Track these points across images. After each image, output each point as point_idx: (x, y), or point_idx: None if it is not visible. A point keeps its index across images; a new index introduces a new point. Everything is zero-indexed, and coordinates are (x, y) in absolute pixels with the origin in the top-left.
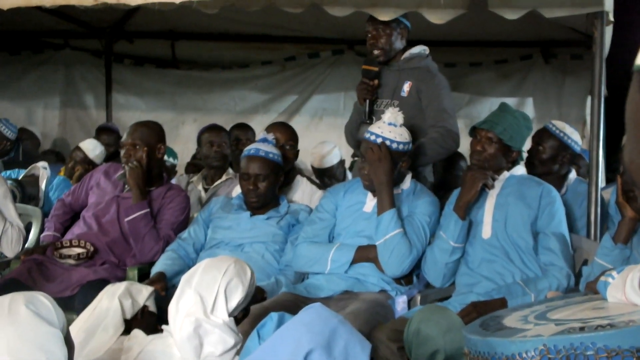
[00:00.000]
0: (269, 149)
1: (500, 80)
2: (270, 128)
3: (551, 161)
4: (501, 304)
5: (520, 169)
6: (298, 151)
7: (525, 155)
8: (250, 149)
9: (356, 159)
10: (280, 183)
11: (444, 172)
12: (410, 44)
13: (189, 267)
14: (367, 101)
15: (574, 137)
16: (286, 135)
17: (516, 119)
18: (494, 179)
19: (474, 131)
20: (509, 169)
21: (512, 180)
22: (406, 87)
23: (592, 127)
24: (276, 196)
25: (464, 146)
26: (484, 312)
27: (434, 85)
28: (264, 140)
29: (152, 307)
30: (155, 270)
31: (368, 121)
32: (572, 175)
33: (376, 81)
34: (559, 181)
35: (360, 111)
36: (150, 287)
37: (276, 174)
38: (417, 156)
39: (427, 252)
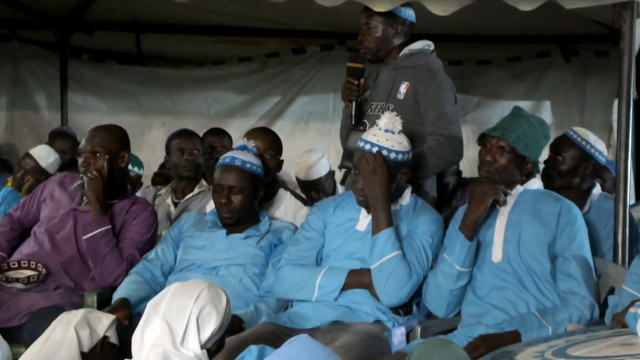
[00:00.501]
0: (247, 158)
1: (513, 80)
2: (249, 134)
3: (571, 173)
4: (514, 337)
5: (535, 183)
6: (281, 161)
7: (541, 166)
8: (225, 157)
9: (344, 170)
10: (259, 198)
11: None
12: (414, 39)
13: (156, 293)
14: (354, 103)
15: (598, 146)
16: (266, 143)
17: (532, 125)
18: (506, 194)
19: (483, 139)
20: (522, 183)
21: (526, 195)
22: (402, 88)
23: (619, 134)
24: (255, 212)
25: (471, 155)
26: (494, 346)
27: (433, 85)
28: (243, 147)
29: (113, 338)
30: (117, 296)
31: (360, 127)
32: (597, 190)
33: (362, 80)
34: (580, 197)
35: (347, 115)
36: (112, 316)
37: (254, 187)
38: (417, 168)
39: (429, 277)
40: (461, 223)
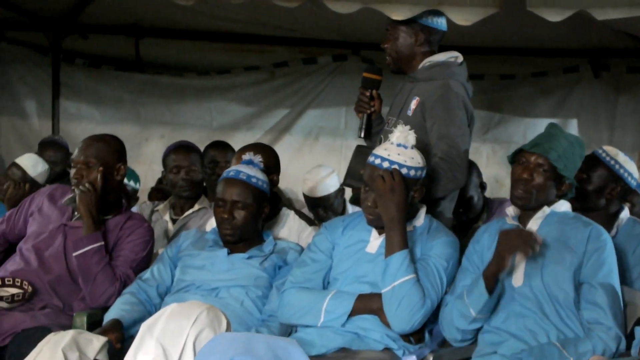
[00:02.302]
0: (252, 173)
1: (538, 97)
2: (243, 150)
3: (597, 194)
4: None
5: (564, 205)
6: (276, 180)
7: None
8: (229, 171)
9: (344, 187)
10: (264, 216)
11: None
12: (442, 50)
13: (151, 315)
14: (364, 116)
15: (628, 167)
16: (263, 158)
17: (571, 144)
18: (535, 247)
19: (517, 155)
20: (550, 204)
21: (553, 217)
22: (413, 104)
23: None
24: (259, 231)
25: (491, 174)
26: None
27: (442, 104)
28: (249, 162)
29: None
30: (109, 317)
31: (362, 136)
32: (625, 214)
33: (374, 92)
34: (607, 220)
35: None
36: (103, 338)
37: (259, 204)
38: (430, 186)
39: (444, 307)
40: (485, 270)
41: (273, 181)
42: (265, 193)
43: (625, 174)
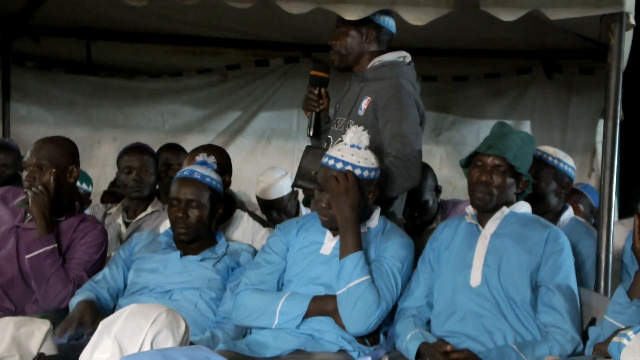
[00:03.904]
0: (206, 172)
1: (491, 98)
2: (195, 152)
3: (552, 195)
4: None
5: (523, 206)
6: (228, 180)
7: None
8: (184, 170)
9: (296, 189)
10: (218, 216)
11: None
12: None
13: (106, 314)
14: (312, 114)
15: (569, 161)
16: (216, 159)
17: (524, 141)
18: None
19: (472, 158)
20: (509, 205)
21: (512, 218)
22: (364, 103)
23: (604, 156)
24: (212, 233)
25: (445, 176)
26: None
27: (394, 102)
28: (203, 163)
29: (50, 349)
30: (76, 300)
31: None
32: (568, 213)
33: (323, 90)
34: (552, 220)
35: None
36: (46, 325)
37: (213, 204)
38: (385, 185)
39: (400, 316)
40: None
41: (226, 182)
42: (219, 193)
43: (570, 170)
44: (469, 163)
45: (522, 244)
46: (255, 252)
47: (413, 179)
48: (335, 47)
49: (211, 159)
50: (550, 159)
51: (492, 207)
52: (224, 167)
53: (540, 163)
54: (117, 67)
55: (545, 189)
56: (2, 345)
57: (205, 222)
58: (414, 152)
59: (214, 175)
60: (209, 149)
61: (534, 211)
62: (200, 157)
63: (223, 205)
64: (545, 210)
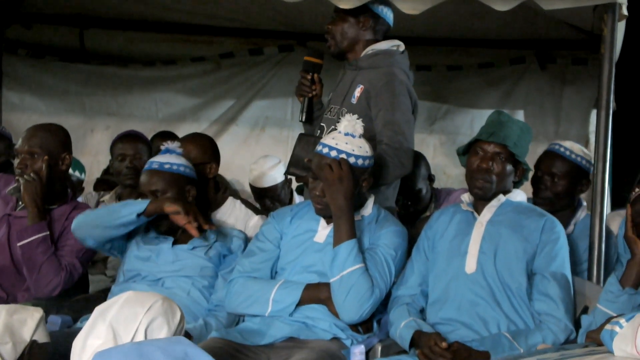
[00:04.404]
0: (164, 160)
1: (484, 88)
2: (181, 140)
3: (572, 193)
4: (484, 358)
5: (519, 195)
6: (214, 168)
7: (530, 173)
8: (147, 163)
9: (290, 177)
10: (191, 199)
11: None
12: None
13: None
14: (305, 99)
15: (589, 158)
16: (197, 150)
17: (522, 130)
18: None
19: (472, 146)
20: (506, 193)
21: (508, 206)
22: (357, 92)
23: (597, 146)
24: None
25: (438, 165)
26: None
27: (387, 91)
28: (165, 151)
29: (42, 337)
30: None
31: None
32: (583, 208)
33: (316, 75)
34: (567, 216)
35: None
36: (38, 313)
37: (179, 188)
38: (377, 173)
39: (394, 304)
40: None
41: (212, 170)
42: (184, 176)
43: (592, 168)
44: (467, 151)
45: (518, 232)
46: (246, 238)
47: (405, 167)
48: (330, 31)
49: (174, 145)
50: (573, 156)
51: (491, 195)
52: (208, 155)
53: (562, 159)
54: (110, 55)
55: (565, 188)
56: None
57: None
58: (406, 140)
59: (175, 160)
60: (190, 137)
61: (554, 209)
62: (163, 146)
63: (195, 187)
64: (564, 207)
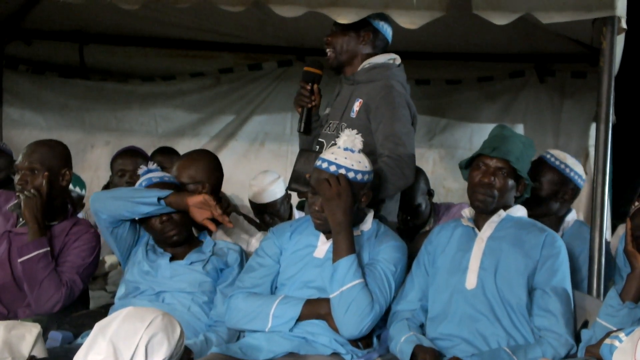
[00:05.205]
0: (155, 175)
1: (483, 101)
2: (184, 157)
3: (550, 199)
4: None
5: (519, 210)
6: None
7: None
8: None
9: (290, 193)
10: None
11: None
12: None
13: None
14: (304, 109)
15: (577, 169)
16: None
17: (524, 145)
18: None
19: (474, 160)
20: (506, 208)
21: (508, 222)
22: (356, 106)
23: (596, 160)
24: (192, 234)
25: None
26: None
27: (386, 103)
28: (145, 172)
29: (40, 352)
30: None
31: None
32: (572, 216)
33: (315, 86)
34: (555, 223)
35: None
36: (36, 328)
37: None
38: (379, 185)
39: (394, 319)
40: None
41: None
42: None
43: (576, 177)
44: (469, 165)
45: (519, 247)
46: (242, 251)
47: (407, 178)
48: (330, 43)
49: (151, 165)
50: (557, 162)
51: (492, 210)
52: (202, 175)
53: (546, 166)
54: (110, 70)
55: (546, 193)
56: None
57: (185, 222)
58: (407, 151)
59: (160, 174)
60: (187, 156)
61: (532, 214)
62: (140, 170)
63: None
64: (544, 214)
